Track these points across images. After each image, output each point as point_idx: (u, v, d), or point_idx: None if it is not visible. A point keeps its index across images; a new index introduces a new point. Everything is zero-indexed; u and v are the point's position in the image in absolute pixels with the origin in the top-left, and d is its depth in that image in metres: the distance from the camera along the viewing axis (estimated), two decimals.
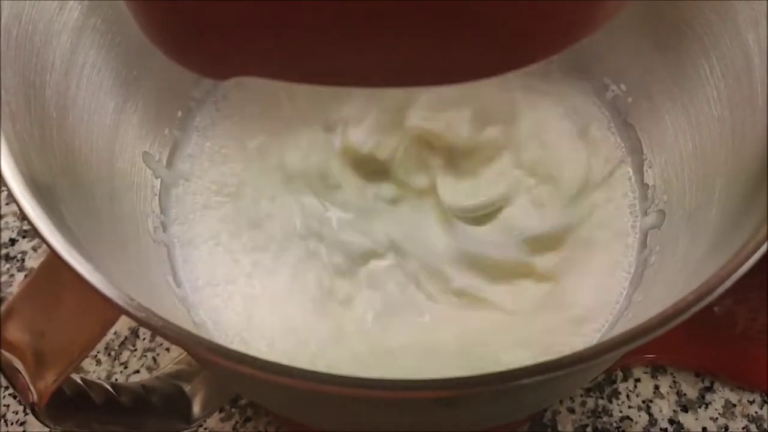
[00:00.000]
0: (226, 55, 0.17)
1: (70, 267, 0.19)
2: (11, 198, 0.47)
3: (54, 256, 0.20)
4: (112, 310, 0.22)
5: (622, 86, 0.37)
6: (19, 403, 0.41)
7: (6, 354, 0.23)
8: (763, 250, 0.22)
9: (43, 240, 0.20)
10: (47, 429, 0.40)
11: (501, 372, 0.20)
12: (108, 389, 0.29)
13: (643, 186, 0.36)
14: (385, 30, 0.17)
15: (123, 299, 0.19)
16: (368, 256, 0.34)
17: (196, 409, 0.34)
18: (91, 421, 0.28)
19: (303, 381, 0.17)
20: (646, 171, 0.36)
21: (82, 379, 0.27)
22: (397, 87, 0.20)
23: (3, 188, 0.47)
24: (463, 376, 0.20)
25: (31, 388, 0.23)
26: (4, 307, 0.24)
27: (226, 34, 0.16)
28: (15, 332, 0.23)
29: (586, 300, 0.33)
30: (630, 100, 0.37)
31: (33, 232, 0.45)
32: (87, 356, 0.23)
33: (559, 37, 0.18)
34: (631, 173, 0.36)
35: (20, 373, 0.23)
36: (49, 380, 0.23)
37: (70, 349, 0.23)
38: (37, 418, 0.25)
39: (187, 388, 0.34)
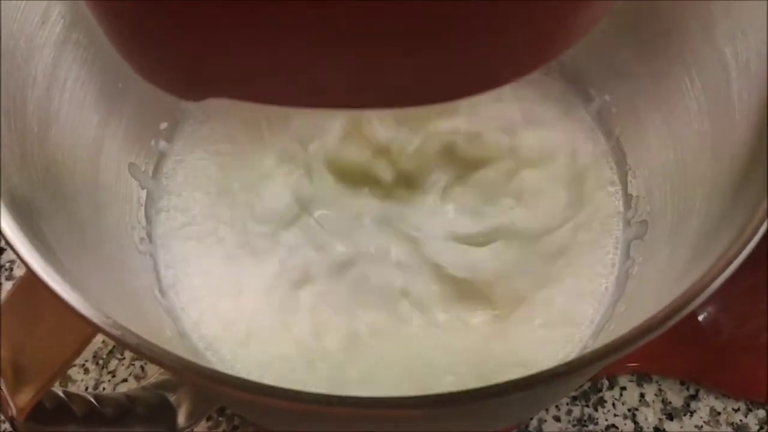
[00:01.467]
0: (196, 74, 0.17)
1: (46, 285, 0.20)
2: None
3: (31, 273, 0.20)
4: (90, 326, 0.23)
5: (607, 97, 0.38)
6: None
7: None
8: (742, 257, 0.22)
9: (19, 257, 0.20)
10: None
11: (482, 388, 0.20)
12: (90, 401, 0.29)
13: (627, 196, 0.36)
14: (374, 45, 0.17)
15: (99, 317, 0.19)
16: (349, 264, 0.34)
17: (181, 419, 0.34)
18: None
19: (282, 401, 0.17)
20: (630, 181, 0.36)
21: (64, 392, 0.27)
22: (385, 108, 0.20)
23: None
24: (443, 393, 0.20)
25: (10, 402, 0.23)
26: None
27: (195, 51, 0.16)
28: None
29: (569, 310, 0.33)
30: (614, 110, 0.37)
31: None
32: (67, 370, 0.23)
33: (543, 48, 0.18)
34: (616, 183, 0.37)
35: None
36: (28, 395, 0.23)
37: (50, 364, 0.23)
38: None
39: (172, 398, 0.34)
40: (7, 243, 0.20)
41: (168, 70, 0.17)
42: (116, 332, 0.20)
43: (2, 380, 0.23)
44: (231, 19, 0.15)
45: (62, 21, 0.29)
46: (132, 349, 0.19)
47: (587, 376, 0.33)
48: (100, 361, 0.42)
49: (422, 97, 0.20)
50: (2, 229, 0.20)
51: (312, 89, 0.18)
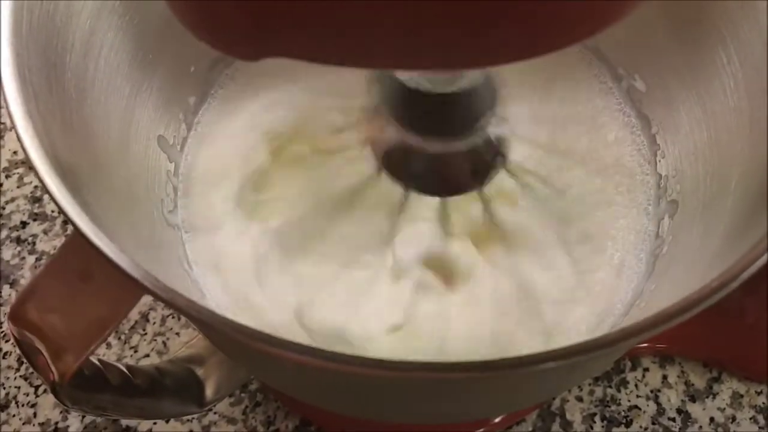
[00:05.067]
0: (263, 32, 0.17)
1: (96, 248, 0.19)
2: (22, 181, 0.47)
3: (79, 236, 0.20)
4: (134, 291, 0.23)
5: (636, 76, 0.37)
6: (30, 385, 0.41)
7: (27, 334, 0.23)
8: None
9: (70, 221, 0.20)
10: (58, 411, 0.40)
11: (505, 359, 0.20)
12: (123, 371, 0.29)
13: (656, 175, 0.36)
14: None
15: (150, 280, 0.19)
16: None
17: (209, 392, 0.34)
18: (107, 404, 0.28)
19: (333, 363, 0.17)
20: (659, 161, 0.36)
21: (99, 361, 0.27)
22: (433, 69, 0.19)
23: (14, 171, 0.47)
24: (483, 360, 0.20)
25: (53, 367, 0.23)
26: (26, 287, 0.24)
27: (269, 7, 0.16)
28: (37, 313, 0.23)
29: (599, 286, 0.33)
30: (644, 89, 0.37)
31: (44, 216, 0.45)
32: (109, 336, 0.23)
33: (594, 20, 0.18)
34: (645, 162, 0.36)
35: (41, 353, 0.23)
36: (70, 360, 0.23)
37: (92, 329, 0.23)
38: (58, 399, 0.25)
39: (199, 371, 0.34)
40: (56, 204, 0.20)
41: (231, 22, 0.17)
42: (166, 294, 0.19)
43: (44, 345, 0.23)
44: None
45: None
46: (181, 311, 0.19)
47: (618, 353, 0.33)
48: (122, 336, 0.42)
49: (474, 59, 0.20)
50: (52, 191, 0.20)
51: (374, 46, 0.18)
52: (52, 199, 0.20)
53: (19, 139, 0.21)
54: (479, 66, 0.24)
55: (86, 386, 0.26)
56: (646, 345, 0.41)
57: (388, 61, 0.19)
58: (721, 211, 0.30)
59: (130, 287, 0.20)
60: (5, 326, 0.42)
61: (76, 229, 0.20)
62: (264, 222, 0.35)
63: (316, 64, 0.18)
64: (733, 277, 0.21)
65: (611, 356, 0.31)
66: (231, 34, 0.17)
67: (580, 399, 0.41)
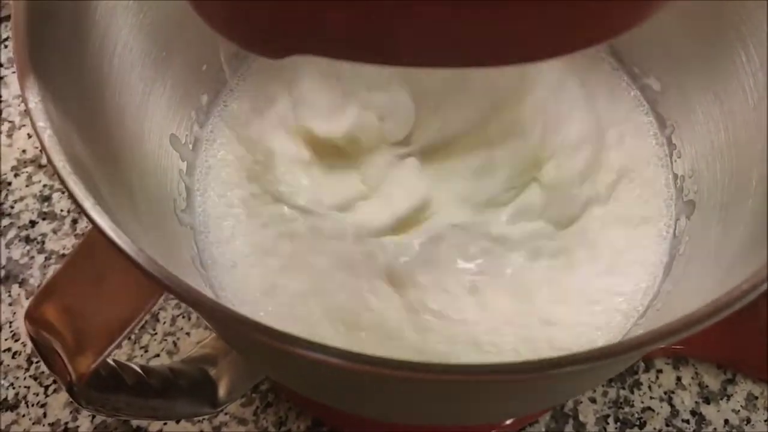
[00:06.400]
0: (286, 29, 0.17)
1: (118, 248, 0.19)
2: (31, 180, 0.47)
3: (97, 235, 0.20)
4: (153, 291, 0.22)
5: (652, 75, 0.37)
6: (40, 385, 0.41)
7: (44, 334, 0.23)
8: None
9: (90, 219, 0.20)
10: (68, 412, 0.40)
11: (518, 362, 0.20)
12: (138, 371, 0.28)
13: (672, 175, 0.36)
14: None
15: (171, 280, 0.19)
16: (385, 231, 0.34)
17: (222, 393, 0.33)
18: (122, 404, 0.28)
19: (359, 365, 0.17)
20: (675, 161, 0.36)
21: (115, 361, 0.27)
22: (454, 67, 0.19)
23: (23, 170, 0.46)
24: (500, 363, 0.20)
25: (69, 368, 0.23)
26: (42, 287, 0.24)
27: (294, 8, 0.16)
28: (54, 312, 0.23)
29: (615, 287, 0.33)
30: (659, 88, 0.37)
31: (53, 215, 0.45)
32: (127, 337, 0.23)
33: (624, 19, 0.18)
34: (662, 162, 0.36)
35: (58, 353, 0.23)
36: (88, 360, 0.23)
37: (110, 329, 0.22)
38: (74, 399, 0.24)
39: (212, 372, 0.34)
40: (75, 202, 0.20)
41: (256, 20, 0.17)
42: (188, 294, 0.19)
43: (61, 346, 0.23)
44: None
45: None
46: (206, 312, 0.19)
47: (636, 357, 0.32)
48: (132, 336, 0.42)
49: (497, 58, 0.19)
50: (70, 188, 0.20)
51: (398, 45, 0.17)
52: (73, 199, 0.20)
53: (38, 137, 0.21)
54: (504, 64, 0.24)
55: (102, 387, 0.26)
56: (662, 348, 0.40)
57: (413, 59, 0.19)
58: (741, 212, 0.29)
59: (149, 287, 0.20)
60: (14, 325, 0.42)
61: (97, 228, 0.20)
62: (278, 219, 0.35)
63: (341, 60, 0.18)
64: (761, 280, 0.20)
65: (629, 360, 0.31)
66: (257, 33, 0.17)
67: (593, 400, 0.41)
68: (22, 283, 0.44)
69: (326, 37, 0.17)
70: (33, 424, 0.40)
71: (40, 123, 0.21)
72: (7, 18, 0.51)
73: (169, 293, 0.19)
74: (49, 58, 0.24)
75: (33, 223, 0.45)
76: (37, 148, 0.47)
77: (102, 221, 0.20)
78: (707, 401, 0.40)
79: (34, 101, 0.21)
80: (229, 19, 0.17)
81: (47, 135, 0.21)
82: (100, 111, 0.27)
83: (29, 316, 0.23)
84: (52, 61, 0.24)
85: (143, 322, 0.42)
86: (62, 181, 0.20)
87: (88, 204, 0.20)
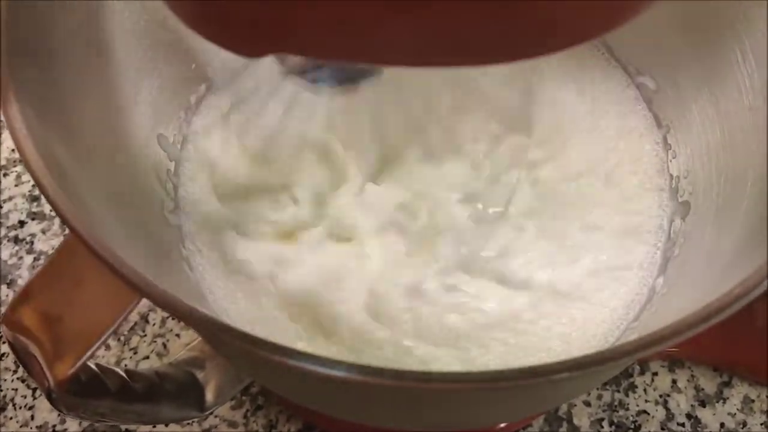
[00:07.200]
0: (263, 28, 0.16)
1: (94, 251, 0.19)
2: (20, 179, 0.46)
3: (75, 240, 0.19)
4: (132, 295, 0.22)
5: (647, 74, 0.37)
6: (28, 387, 0.40)
7: (21, 339, 0.22)
8: None
9: (66, 223, 0.19)
10: (56, 414, 0.39)
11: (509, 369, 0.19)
12: (122, 376, 0.28)
13: (667, 176, 0.35)
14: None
15: (148, 285, 0.19)
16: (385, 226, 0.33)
17: (209, 396, 0.33)
18: (105, 409, 0.27)
19: (345, 374, 0.17)
20: (670, 161, 0.35)
21: (97, 365, 0.27)
22: (433, 67, 0.19)
23: (12, 169, 0.46)
24: (491, 371, 0.19)
25: (48, 374, 0.22)
26: (20, 291, 0.23)
27: (270, 9, 0.15)
28: (31, 317, 0.22)
29: (608, 289, 0.33)
30: (654, 87, 0.36)
31: (42, 215, 0.45)
32: (106, 342, 0.22)
33: (605, 19, 0.18)
34: (657, 162, 0.36)
35: (36, 358, 0.23)
36: (66, 366, 0.22)
37: (89, 334, 0.22)
38: (54, 405, 0.24)
39: (200, 375, 0.33)
40: (53, 207, 0.20)
41: (233, 18, 0.16)
42: (166, 299, 0.19)
43: (39, 350, 0.22)
44: None
45: None
46: (185, 318, 0.18)
47: (628, 363, 0.32)
48: (122, 338, 0.42)
49: (483, 57, 0.19)
50: (47, 194, 0.20)
51: (379, 44, 0.17)
52: (48, 201, 0.19)
53: (13, 138, 0.20)
54: (493, 63, 0.23)
55: (83, 392, 0.25)
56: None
57: (392, 58, 0.18)
58: (736, 213, 0.29)
59: (127, 291, 0.20)
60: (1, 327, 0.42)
61: (73, 231, 0.19)
62: (268, 220, 0.34)
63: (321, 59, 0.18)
64: (757, 283, 0.20)
65: (622, 365, 0.30)
66: (233, 32, 0.17)
67: (587, 404, 0.40)
68: (10, 284, 0.43)
69: (301, 36, 0.16)
70: (20, 426, 0.39)
71: (15, 123, 0.21)
72: None
73: (145, 298, 0.19)
74: (27, 56, 0.23)
75: (22, 224, 0.45)
76: None
77: (78, 224, 0.19)
78: (703, 404, 0.40)
79: (9, 99, 0.21)
80: (203, 17, 0.17)
81: (23, 135, 0.20)
82: (83, 111, 0.27)
83: (7, 320, 0.23)
84: (30, 60, 0.23)
85: (132, 323, 0.42)
86: (38, 184, 0.20)
87: (64, 208, 0.19)
